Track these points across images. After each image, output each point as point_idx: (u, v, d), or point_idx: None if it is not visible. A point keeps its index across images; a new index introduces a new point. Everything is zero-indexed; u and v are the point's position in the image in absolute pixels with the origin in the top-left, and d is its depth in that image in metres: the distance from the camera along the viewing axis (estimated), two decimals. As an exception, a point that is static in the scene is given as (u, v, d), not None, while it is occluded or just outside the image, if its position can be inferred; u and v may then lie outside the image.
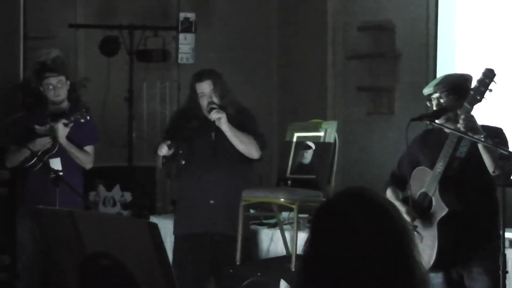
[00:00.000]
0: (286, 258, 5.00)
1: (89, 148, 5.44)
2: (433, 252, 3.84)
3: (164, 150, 4.94)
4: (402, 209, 3.86)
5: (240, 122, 5.02)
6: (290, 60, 7.84)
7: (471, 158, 3.88)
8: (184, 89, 6.25)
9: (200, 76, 5.06)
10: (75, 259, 2.43)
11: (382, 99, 7.04)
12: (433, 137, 4.08)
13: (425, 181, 3.92)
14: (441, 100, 3.95)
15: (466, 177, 3.91)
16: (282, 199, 4.90)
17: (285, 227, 5.22)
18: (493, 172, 3.76)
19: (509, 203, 3.77)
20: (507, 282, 3.76)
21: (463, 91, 3.89)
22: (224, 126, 4.93)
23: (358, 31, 7.16)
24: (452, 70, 5.57)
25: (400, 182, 4.16)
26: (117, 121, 7.08)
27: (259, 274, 4.83)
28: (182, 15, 7.18)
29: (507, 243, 4.05)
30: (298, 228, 4.83)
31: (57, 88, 5.38)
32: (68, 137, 5.27)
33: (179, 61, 7.24)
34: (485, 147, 3.78)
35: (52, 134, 5.24)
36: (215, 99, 4.99)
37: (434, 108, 3.98)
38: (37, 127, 5.31)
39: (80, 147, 5.38)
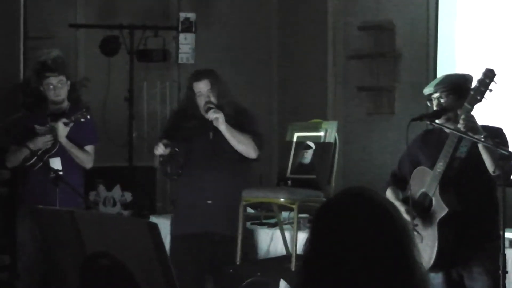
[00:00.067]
0: (286, 258, 5.00)
1: (89, 148, 5.44)
2: (433, 252, 3.84)
3: (160, 149, 4.93)
4: (401, 208, 3.86)
5: (238, 122, 5.01)
6: (290, 60, 7.83)
7: (471, 158, 3.88)
8: (184, 89, 6.25)
9: (197, 76, 5.05)
10: (75, 259, 2.43)
11: (382, 99, 7.04)
12: (434, 137, 4.08)
13: (426, 181, 3.92)
14: (442, 100, 3.95)
15: (466, 177, 3.91)
16: (282, 199, 4.90)
17: (285, 227, 5.21)
18: (493, 172, 3.76)
19: (509, 203, 3.78)
20: (507, 282, 3.76)
21: (463, 91, 3.89)
22: (222, 126, 4.92)
23: (359, 31, 7.16)
24: (452, 70, 5.57)
25: (400, 182, 4.16)
26: (117, 121, 7.08)
27: (259, 274, 4.83)
28: (182, 15, 7.19)
29: (507, 243, 4.04)
30: (298, 228, 4.83)
31: (57, 88, 5.38)
32: (68, 137, 5.27)
33: (179, 61, 7.24)
34: (485, 147, 3.78)
35: (53, 133, 5.24)
36: (213, 99, 4.98)
37: (435, 108, 3.99)
38: (37, 127, 5.31)
39: (81, 146, 5.38)
